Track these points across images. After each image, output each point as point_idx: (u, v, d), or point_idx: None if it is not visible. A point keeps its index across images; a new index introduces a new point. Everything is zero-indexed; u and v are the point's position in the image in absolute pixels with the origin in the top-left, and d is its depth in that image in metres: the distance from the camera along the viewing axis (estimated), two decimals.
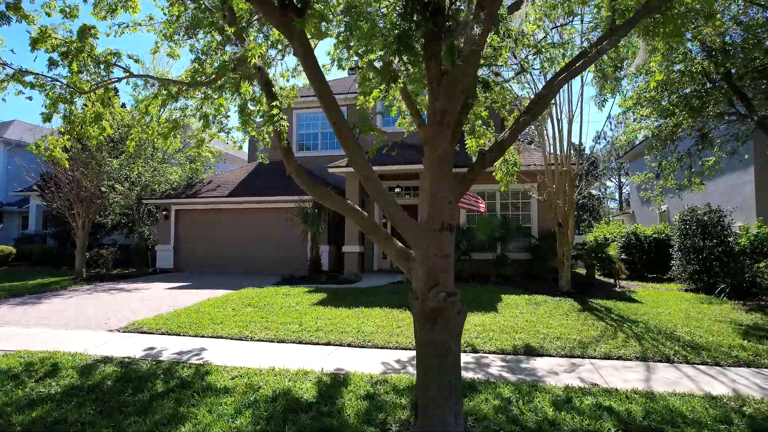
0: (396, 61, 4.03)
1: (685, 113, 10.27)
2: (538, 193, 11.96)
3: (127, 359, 5.96)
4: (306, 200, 15.61)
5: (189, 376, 5.22)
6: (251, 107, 8.88)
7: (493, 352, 6.39)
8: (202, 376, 5.20)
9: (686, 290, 12.81)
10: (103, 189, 15.97)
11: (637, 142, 24.91)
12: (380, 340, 6.83)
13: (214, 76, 6.30)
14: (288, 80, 7.12)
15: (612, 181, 50.80)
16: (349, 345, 6.75)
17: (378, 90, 4.59)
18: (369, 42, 3.69)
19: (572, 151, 11.23)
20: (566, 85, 11.05)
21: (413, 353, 6.31)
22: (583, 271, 14.99)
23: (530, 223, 14.27)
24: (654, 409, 4.26)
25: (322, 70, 6.75)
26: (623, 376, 5.36)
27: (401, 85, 4.36)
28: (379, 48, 3.73)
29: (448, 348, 3.31)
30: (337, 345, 6.76)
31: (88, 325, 8.20)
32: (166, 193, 17.59)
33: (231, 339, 7.14)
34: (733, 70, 9.84)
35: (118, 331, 7.74)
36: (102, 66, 6.38)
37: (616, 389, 4.80)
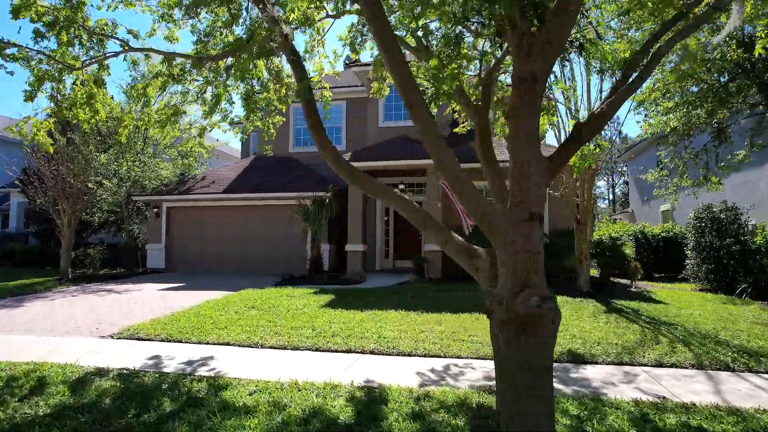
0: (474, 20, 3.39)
1: (715, 104, 9.77)
2: (552, 189, 11.40)
3: (125, 371, 5.24)
4: (306, 197, 14.91)
5: (201, 391, 4.53)
6: (257, 95, 8.19)
7: None
8: (216, 391, 4.51)
9: (702, 290, 12.39)
10: (90, 185, 15.09)
11: (638, 141, 24.64)
12: (406, 347, 6.20)
13: (228, 48, 5.59)
14: (312, 54, 6.42)
15: (604, 180, 50.75)
16: (371, 352, 6.10)
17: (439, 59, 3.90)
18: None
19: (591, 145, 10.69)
20: (585, 75, 10.54)
21: (446, 362, 5.70)
22: (594, 270, 14.51)
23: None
24: (753, 430, 3.70)
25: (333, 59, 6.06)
26: (689, 387, 4.79)
27: (465, 51, 3.72)
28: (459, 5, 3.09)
29: (544, 366, 2.69)
30: (358, 352, 6.11)
31: (77, 331, 7.43)
32: (156, 190, 16.74)
33: (239, 346, 6.45)
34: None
35: (112, 337, 6.99)
36: (95, 39, 5.64)
37: (694, 404, 4.22)
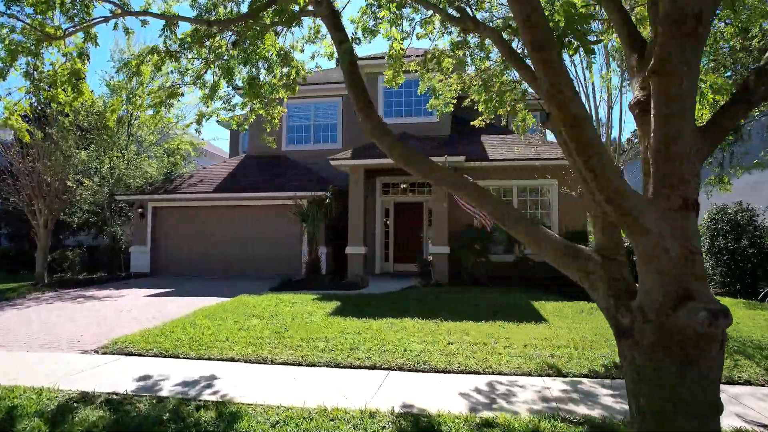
0: None
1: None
2: (571, 189, 10.78)
3: (114, 396, 4.39)
4: (302, 196, 14.09)
5: (210, 422, 3.72)
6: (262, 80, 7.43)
7: (585, 376, 5.10)
8: (229, 422, 3.71)
9: (717, 294, 11.91)
10: (69, 183, 14.04)
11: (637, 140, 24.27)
12: (438, 362, 5.45)
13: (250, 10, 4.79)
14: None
15: None
16: (400, 368, 5.33)
17: None
18: None
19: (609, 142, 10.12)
20: (605, 67, 9.95)
21: (487, 379, 4.97)
22: None
23: (551, 221, 13.13)
24: None
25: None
26: None
27: None
28: None
29: (715, 404, 1.97)
30: (385, 368, 5.34)
31: (55, 345, 6.51)
32: (141, 189, 15.71)
33: (246, 362, 5.62)
34: None
35: (96, 352, 6.10)
36: (79, 1, 4.79)
37: None
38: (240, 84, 7.34)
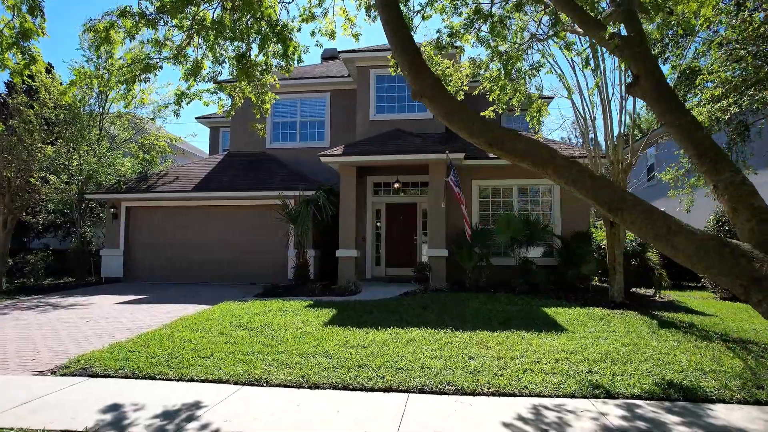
0: None
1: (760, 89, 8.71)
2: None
3: None
4: (290, 196, 13.20)
5: None
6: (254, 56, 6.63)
7: (639, 397, 4.37)
8: None
9: (724, 298, 11.43)
10: (32, 180, 12.85)
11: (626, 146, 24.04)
12: (464, 382, 4.66)
13: None
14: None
15: None
16: (421, 390, 4.52)
17: None
18: None
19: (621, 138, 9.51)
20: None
21: (527, 403, 4.21)
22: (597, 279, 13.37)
23: (552, 222, 12.49)
24: None
25: None
26: None
27: None
28: None
29: None
30: (402, 391, 4.52)
31: (3, 364, 5.50)
32: (114, 187, 14.54)
33: (236, 383, 4.74)
34: None
35: (54, 373, 5.12)
36: None
37: None
38: (228, 62, 6.47)
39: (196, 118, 20.47)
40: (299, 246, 12.67)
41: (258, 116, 7.16)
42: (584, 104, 9.43)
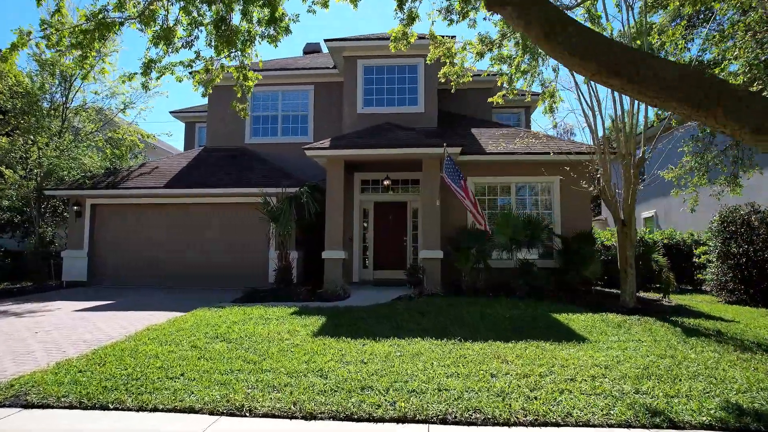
0: None
1: None
2: (588, 185, 9.43)
3: None
4: (271, 193, 12.24)
5: None
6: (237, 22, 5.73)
7: (710, 427, 3.61)
8: None
9: (729, 302, 10.93)
10: None
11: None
12: (493, 408, 3.82)
13: None
14: None
15: None
16: (443, 421, 3.67)
17: None
18: None
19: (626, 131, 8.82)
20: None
21: None
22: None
23: (552, 222, 11.80)
24: None
25: None
26: None
27: None
28: None
29: None
30: (421, 421, 3.67)
31: None
32: (78, 183, 13.31)
33: (213, 413, 3.81)
34: None
35: None
36: None
37: None
38: (206, 29, 5.53)
39: (170, 112, 19.29)
40: (281, 247, 11.70)
41: (239, 95, 6.21)
42: (591, 91, 8.75)
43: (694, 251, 13.93)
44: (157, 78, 5.78)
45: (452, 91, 8.13)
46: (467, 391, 4.18)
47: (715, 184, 11.96)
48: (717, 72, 8.40)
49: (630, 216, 8.72)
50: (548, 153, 11.04)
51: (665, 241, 14.81)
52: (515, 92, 7.65)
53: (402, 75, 13.76)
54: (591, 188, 9.58)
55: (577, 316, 7.86)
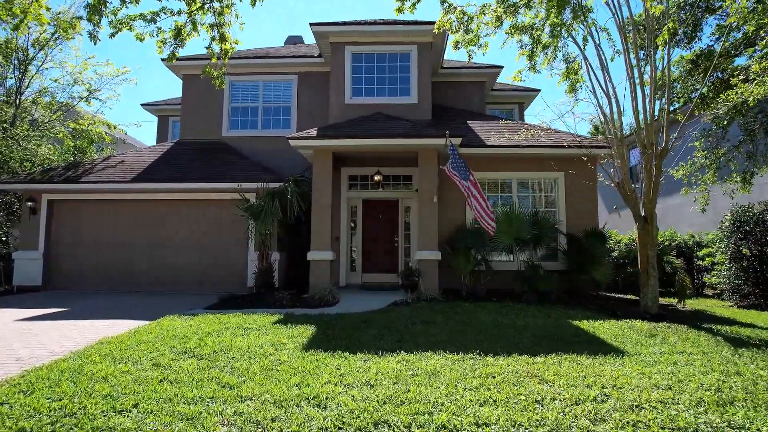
0: None
1: None
2: (609, 177, 8.58)
3: None
4: (250, 189, 11.14)
5: None
6: None
7: None
8: None
9: (743, 306, 10.24)
10: None
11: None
12: None
13: None
14: None
15: None
16: None
17: None
18: None
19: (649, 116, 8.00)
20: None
21: None
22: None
23: (556, 220, 10.92)
24: None
25: None
26: None
27: None
28: None
29: None
30: None
31: None
32: (32, 176, 11.92)
33: None
34: None
35: None
36: None
37: None
38: None
39: (142, 104, 17.92)
40: (262, 247, 10.58)
41: (213, 59, 5.14)
42: (606, 77, 7.92)
43: (696, 253, 13.31)
44: (113, 34, 4.67)
45: (468, 61, 7.14)
46: (515, 427, 3.19)
47: (727, 182, 11.32)
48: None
49: (651, 212, 7.89)
50: (557, 146, 10.20)
51: (666, 243, 14.17)
52: (534, 68, 6.77)
53: (393, 63, 12.78)
54: (608, 182, 8.74)
55: (599, 323, 6.98)
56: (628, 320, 7.24)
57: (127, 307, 8.88)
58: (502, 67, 14.72)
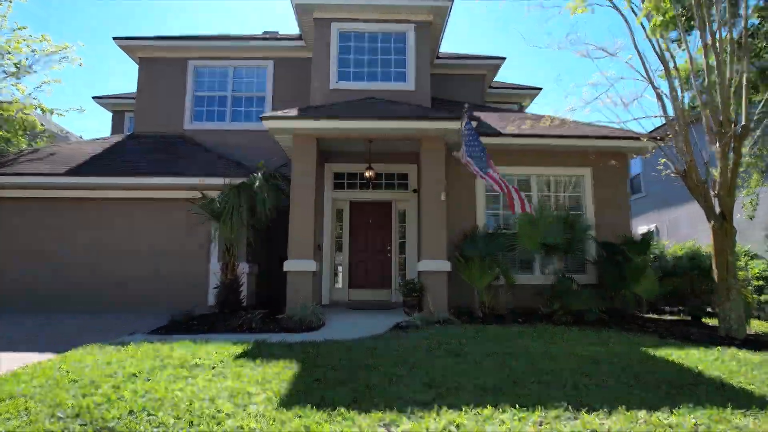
0: None
1: None
2: (673, 168, 6.81)
3: None
4: (212, 186, 9.08)
5: None
6: None
7: None
8: None
9: None
10: None
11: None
12: None
13: None
14: None
15: None
16: None
17: None
18: None
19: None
20: None
21: None
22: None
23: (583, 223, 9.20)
24: None
25: None
26: None
27: None
28: None
29: None
30: None
31: None
32: None
33: None
34: None
35: None
36: None
37: None
38: None
39: (93, 97, 15.64)
40: (227, 255, 8.48)
41: None
42: (658, 43, 6.29)
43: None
44: None
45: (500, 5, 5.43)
46: None
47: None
48: None
49: (730, 208, 6.21)
50: (594, 137, 8.52)
51: (683, 253, 12.61)
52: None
53: (387, 44, 10.96)
54: (668, 171, 7.03)
55: (686, 352, 5.17)
56: (715, 348, 5.46)
57: (41, 330, 6.63)
58: (504, 58, 13.18)
